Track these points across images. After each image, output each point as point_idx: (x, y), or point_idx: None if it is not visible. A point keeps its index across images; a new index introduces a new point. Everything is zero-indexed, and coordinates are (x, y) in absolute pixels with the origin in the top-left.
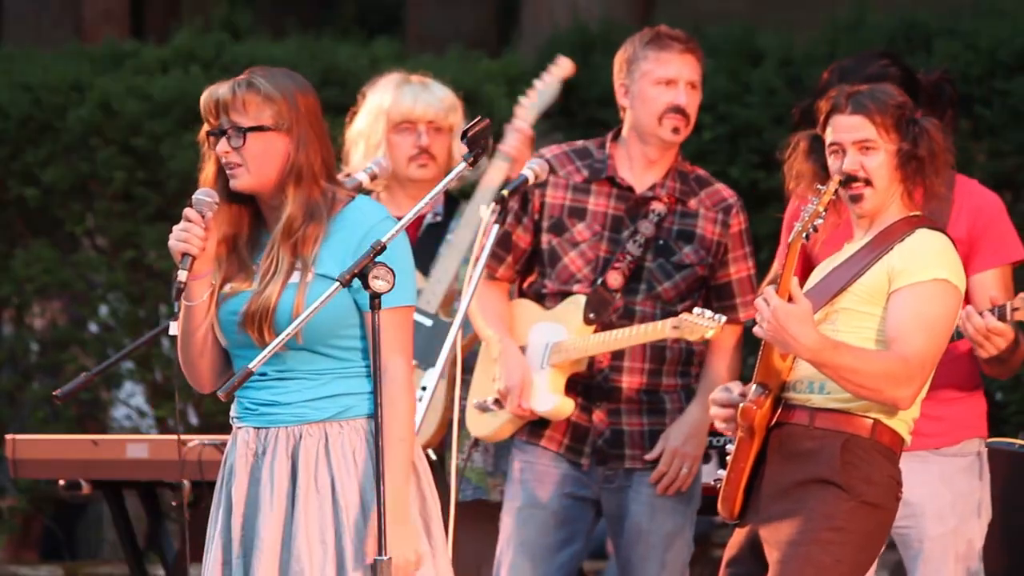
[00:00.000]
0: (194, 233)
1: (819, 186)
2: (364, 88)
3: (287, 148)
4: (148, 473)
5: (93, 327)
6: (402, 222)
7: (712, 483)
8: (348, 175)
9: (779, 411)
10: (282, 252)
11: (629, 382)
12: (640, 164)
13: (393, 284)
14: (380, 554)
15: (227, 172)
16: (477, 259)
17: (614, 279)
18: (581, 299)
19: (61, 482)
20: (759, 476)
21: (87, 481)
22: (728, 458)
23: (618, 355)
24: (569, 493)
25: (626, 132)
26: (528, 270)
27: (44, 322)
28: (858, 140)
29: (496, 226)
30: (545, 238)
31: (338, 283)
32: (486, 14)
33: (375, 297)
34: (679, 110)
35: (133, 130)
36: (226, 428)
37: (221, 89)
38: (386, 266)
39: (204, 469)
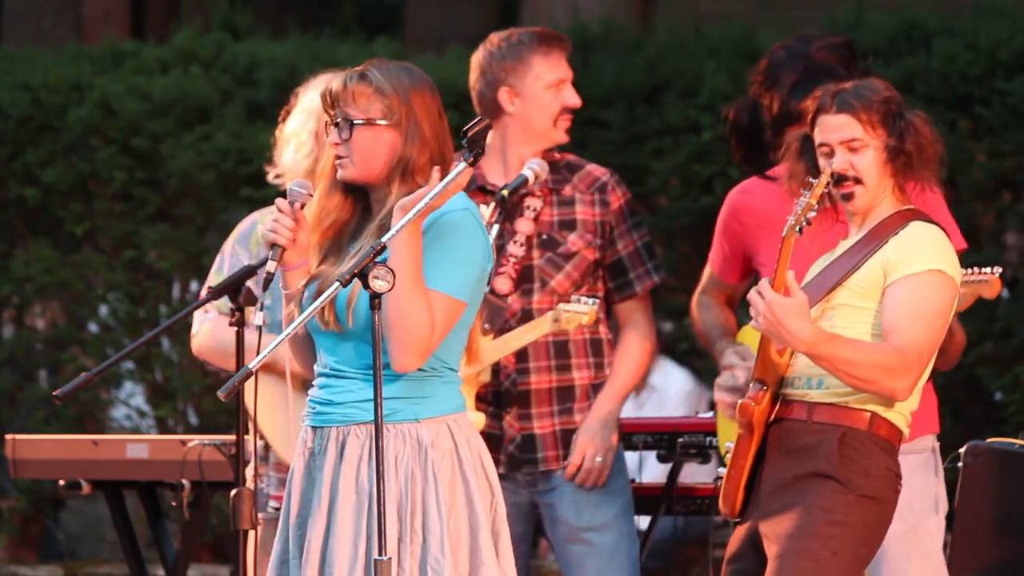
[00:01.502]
0: (283, 223)
1: (811, 179)
2: (298, 88)
3: (395, 142)
4: (148, 473)
5: (93, 327)
6: (401, 222)
7: (713, 483)
8: (278, 176)
9: (778, 407)
10: (368, 241)
11: (538, 382)
12: (514, 166)
13: (393, 284)
14: (380, 554)
15: (336, 163)
16: None
17: (502, 284)
18: None
19: (61, 482)
20: (759, 473)
21: (87, 481)
22: (727, 456)
23: (522, 357)
24: None
25: (501, 138)
26: None
27: (44, 322)
28: (845, 139)
29: (496, 226)
30: None
31: (338, 283)
32: (486, 14)
33: (375, 297)
34: (570, 110)
35: (133, 130)
36: (226, 428)
37: (335, 81)
38: (386, 266)
39: (204, 469)
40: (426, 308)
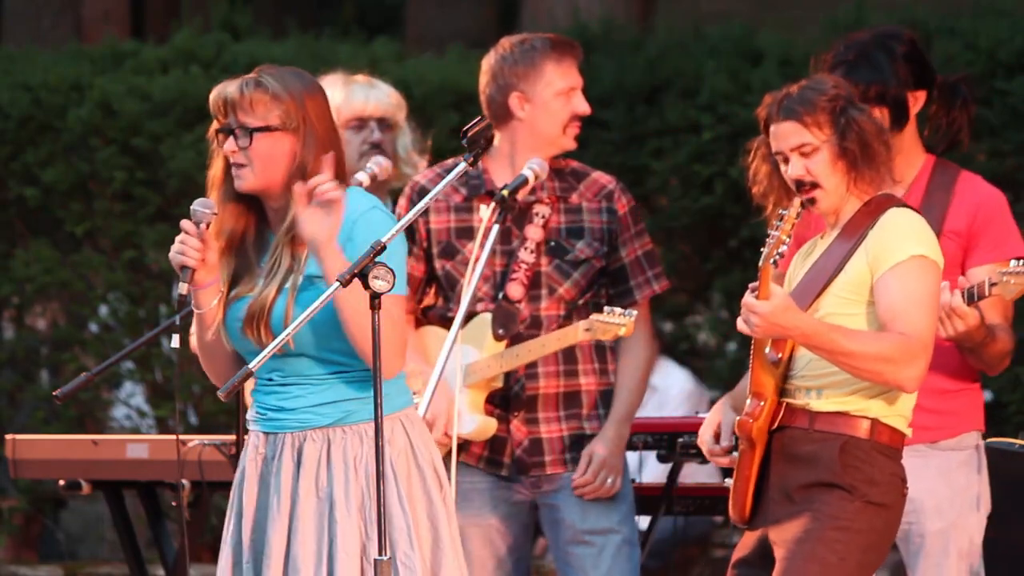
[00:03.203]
0: (191, 245)
1: (781, 211)
2: None
3: (293, 148)
4: (148, 473)
5: (93, 327)
6: (402, 222)
7: (723, 485)
8: None
9: (781, 414)
10: (283, 254)
11: (546, 387)
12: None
13: (393, 284)
14: (380, 554)
15: (232, 173)
16: (477, 259)
17: (515, 290)
18: (487, 317)
19: (61, 482)
20: (766, 479)
21: (87, 481)
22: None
23: (531, 363)
24: (503, 501)
25: (510, 143)
26: (421, 295)
27: (44, 322)
28: (795, 146)
29: (496, 226)
30: (438, 264)
31: (338, 283)
32: (486, 14)
33: (375, 297)
34: (580, 117)
35: (133, 130)
36: (226, 428)
37: (230, 88)
38: (386, 266)
39: (204, 469)
40: (387, 317)
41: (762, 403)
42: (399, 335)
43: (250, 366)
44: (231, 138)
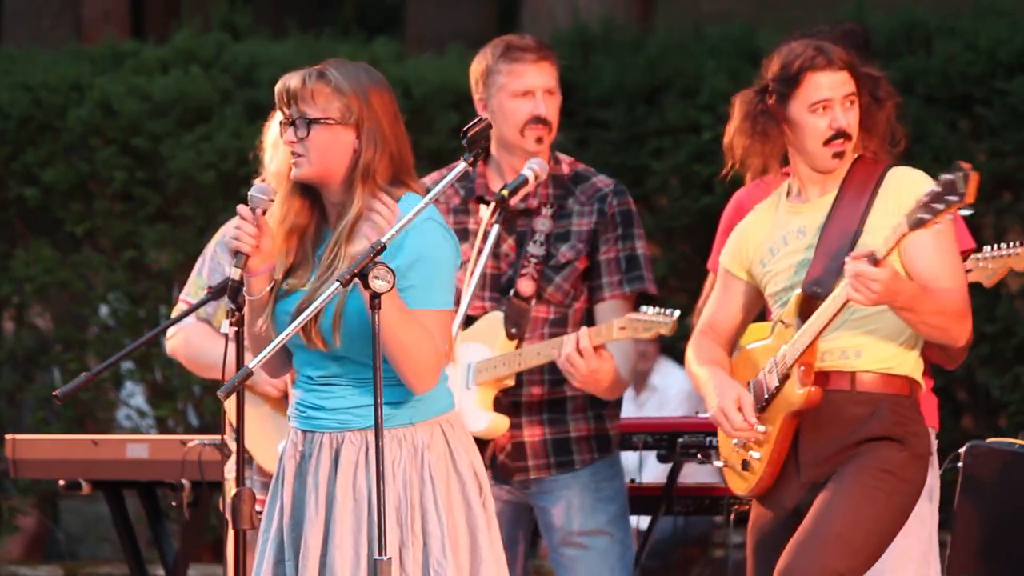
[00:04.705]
0: (246, 230)
1: (936, 184)
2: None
3: (354, 143)
4: (148, 473)
5: (93, 327)
6: (402, 223)
7: (722, 484)
8: (263, 180)
9: (813, 378)
10: (343, 254)
11: (529, 395)
12: (511, 176)
13: (393, 284)
14: (380, 554)
15: (291, 161)
16: (477, 260)
17: (525, 286)
18: (499, 315)
19: (61, 482)
20: (795, 447)
21: (87, 481)
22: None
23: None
24: (496, 500)
25: (494, 148)
26: None
27: (44, 322)
28: (847, 94)
29: (496, 226)
30: None
31: (338, 283)
32: (486, 14)
33: (375, 297)
34: (539, 120)
35: (133, 130)
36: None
37: (293, 79)
38: (386, 266)
39: (204, 469)
40: (423, 332)
41: (803, 369)
42: (436, 349)
43: (250, 366)
44: (291, 128)
